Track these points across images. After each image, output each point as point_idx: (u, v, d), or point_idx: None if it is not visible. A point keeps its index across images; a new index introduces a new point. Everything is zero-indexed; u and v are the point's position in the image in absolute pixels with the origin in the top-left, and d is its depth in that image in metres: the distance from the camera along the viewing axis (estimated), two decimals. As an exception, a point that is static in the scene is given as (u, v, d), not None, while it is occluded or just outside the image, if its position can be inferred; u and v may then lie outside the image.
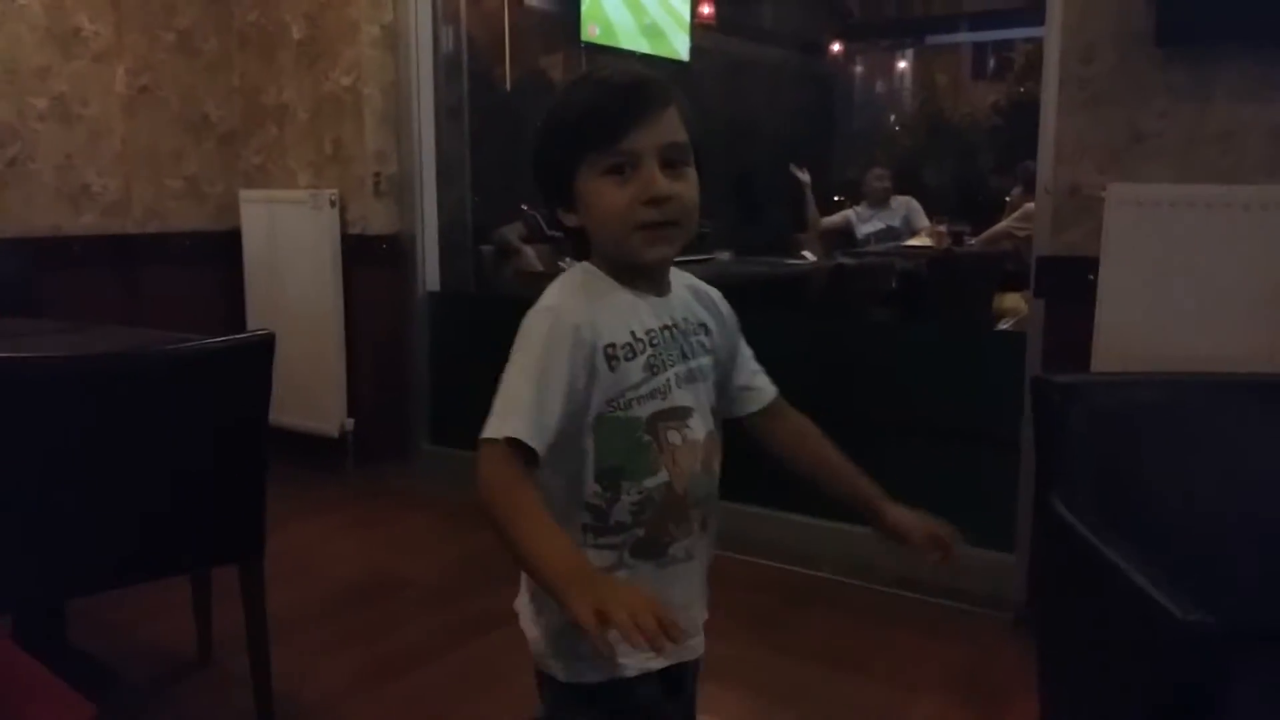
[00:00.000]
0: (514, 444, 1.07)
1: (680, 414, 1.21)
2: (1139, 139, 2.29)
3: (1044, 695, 1.55)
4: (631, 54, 5.68)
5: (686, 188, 1.16)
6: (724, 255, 4.96)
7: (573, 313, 1.15)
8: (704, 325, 1.28)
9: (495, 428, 1.09)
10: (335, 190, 3.67)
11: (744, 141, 6.90)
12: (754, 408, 1.37)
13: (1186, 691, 1.07)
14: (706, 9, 6.61)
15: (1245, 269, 2.12)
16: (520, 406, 1.10)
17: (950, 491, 2.49)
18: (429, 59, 3.73)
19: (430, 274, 3.78)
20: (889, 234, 5.58)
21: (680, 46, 6.01)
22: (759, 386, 1.36)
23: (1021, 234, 4.61)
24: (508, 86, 5.54)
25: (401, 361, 3.79)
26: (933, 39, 9.28)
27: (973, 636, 2.52)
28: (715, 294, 1.36)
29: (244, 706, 2.08)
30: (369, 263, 3.70)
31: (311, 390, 3.69)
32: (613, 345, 1.16)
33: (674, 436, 1.20)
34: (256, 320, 3.85)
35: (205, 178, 3.94)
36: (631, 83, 1.17)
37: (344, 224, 3.69)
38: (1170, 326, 2.15)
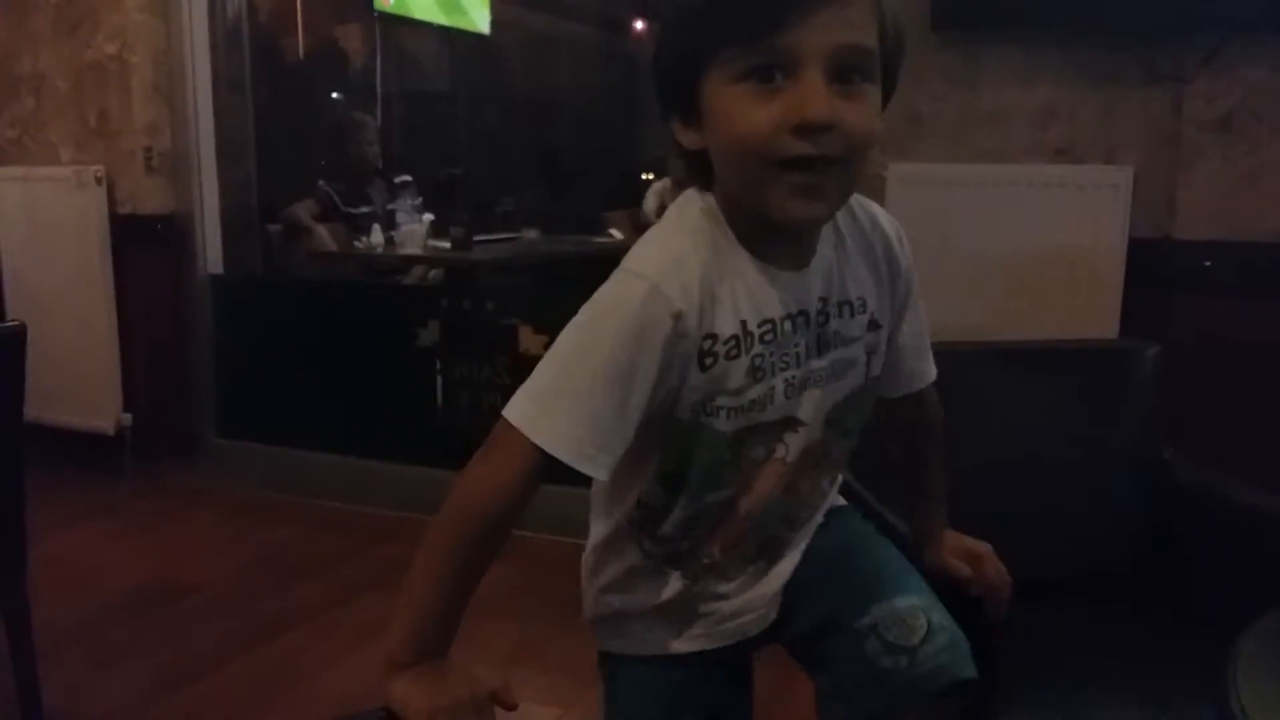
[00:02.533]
0: (544, 454, 0.83)
1: (778, 428, 0.94)
2: (917, 120, 2.39)
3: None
4: (428, 25, 5.51)
5: (861, 114, 0.82)
6: (531, 233, 4.91)
7: (675, 290, 0.85)
8: (857, 302, 0.96)
9: (533, 419, 0.83)
10: (101, 167, 3.38)
11: (549, 117, 6.85)
12: (900, 392, 1.08)
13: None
14: (507, -18, 6.49)
15: (1011, 242, 2.25)
16: (578, 406, 0.83)
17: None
18: (204, 26, 3.47)
19: (212, 256, 3.54)
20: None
21: (480, 20, 5.88)
22: (919, 371, 1.08)
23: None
24: (300, 56, 5.27)
25: (183, 351, 3.54)
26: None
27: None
28: (896, 240, 1.01)
29: (12, 726, 1.91)
30: (143, 245, 3.43)
31: (81, 385, 3.40)
32: (713, 338, 0.87)
33: (758, 452, 0.95)
34: (15, 310, 3.51)
35: (-51, 153, 3.56)
36: None
37: (113, 203, 3.40)
38: (947, 298, 2.25)
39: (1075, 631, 1.40)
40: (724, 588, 1.02)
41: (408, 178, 4.50)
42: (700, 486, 0.94)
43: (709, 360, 0.88)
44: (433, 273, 4.17)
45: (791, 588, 1.05)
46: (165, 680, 2.20)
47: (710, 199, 0.91)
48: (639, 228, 5.66)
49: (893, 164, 2.35)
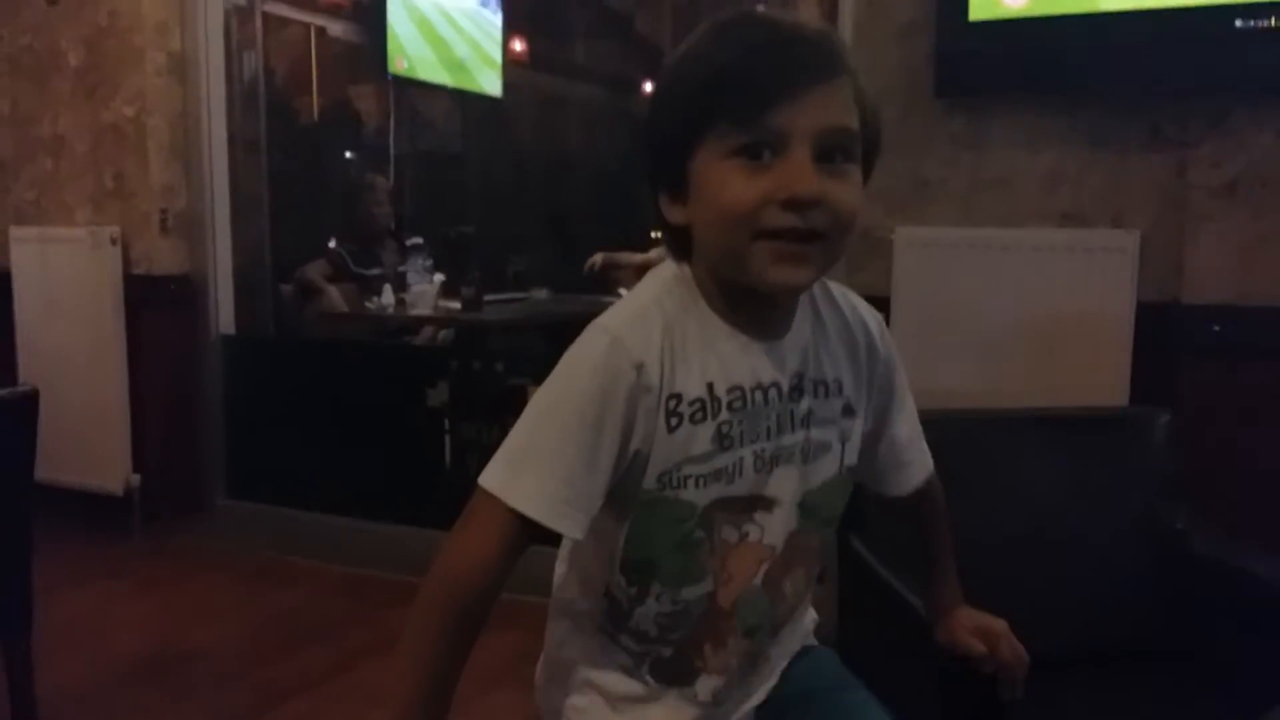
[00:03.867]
0: (523, 517, 0.84)
1: (752, 505, 0.92)
2: (924, 185, 2.41)
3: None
4: (440, 88, 5.59)
5: (845, 192, 0.84)
6: (540, 293, 4.93)
7: (637, 342, 0.86)
8: (833, 384, 0.96)
9: (505, 482, 0.84)
10: (117, 227, 3.42)
11: (559, 177, 6.91)
12: (897, 492, 1.07)
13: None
14: (519, 46, 6.59)
15: (1019, 306, 2.25)
16: (549, 465, 0.84)
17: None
18: (221, 89, 3.54)
19: (224, 316, 3.57)
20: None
21: (491, 84, 5.97)
22: (911, 463, 1.06)
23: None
24: (314, 118, 5.35)
25: (192, 411, 3.55)
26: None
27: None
28: (875, 328, 1.00)
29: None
30: (155, 305, 3.45)
31: (91, 445, 3.41)
32: (678, 398, 0.87)
33: (730, 533, 0.91)
34: (28, 369, 3.53)
35: (-31, 215, 3.61)
36: (794, 34, 0.85)
37: (127, 263, 3.43)
38: (954, 361, 2.26)
39: (1087, 706, 1.37)
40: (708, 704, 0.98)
41: (419, 239, 4.53)
42: (673, 577, 0.92)
43: (674, 420, 0.87)
44: (443, 333, 4.18)
45: None
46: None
47: (686, 269, 0.93)
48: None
49: (900, 227, 2.37)
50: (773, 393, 0.91)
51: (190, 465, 3.55)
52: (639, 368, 0.86)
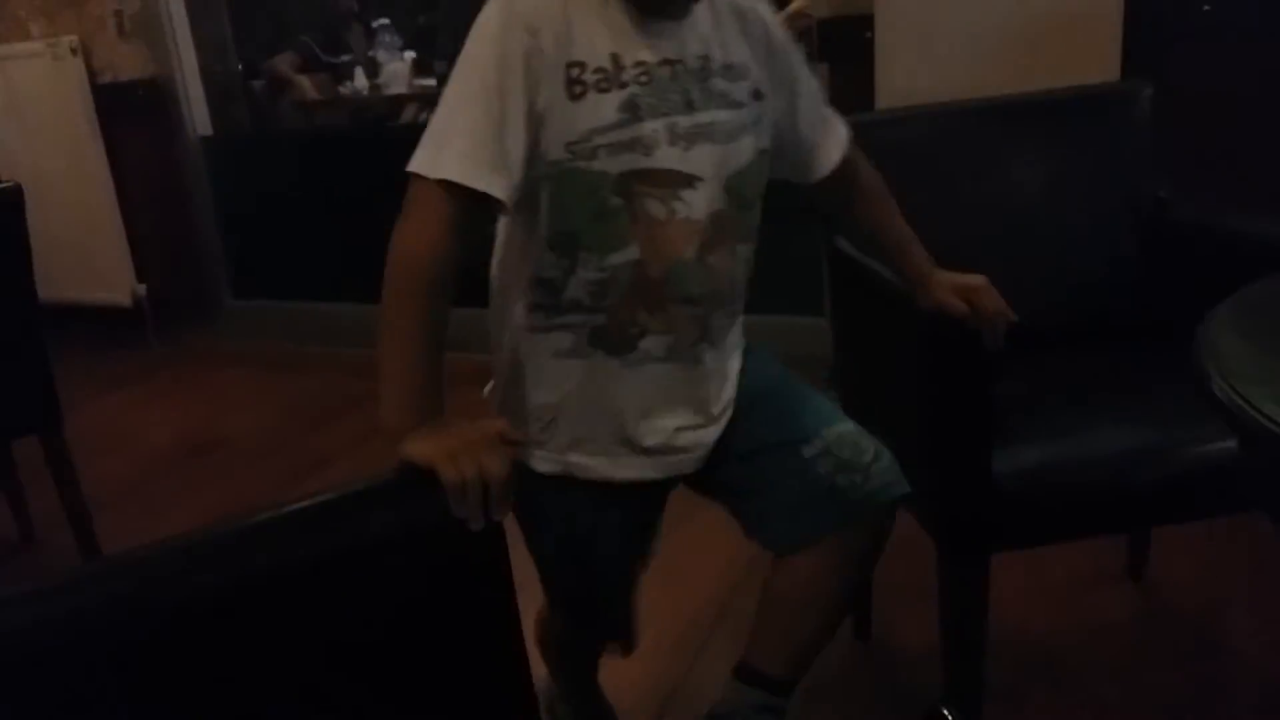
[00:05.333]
0: (452, 189, 0.86)
1: (671, 180, 0.93)
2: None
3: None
4: None
5: None
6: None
7: (530, 8, 0.88)
8: (739, 66, 0.97)
9: (427, 160, 0.87)
10: (74, 36, 3.30)
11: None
12: (820, 173, 1.09)
13: (951, 379, 1.15)
14: None
15: (1005, 3, 2.17)
16: (464, 134, 0.86)
17: (761, 261, 2.56)
18: (156, -124, 3.32)
19: (199, 118, 3.49)
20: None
21: None
22: (822, 143, 1.08)
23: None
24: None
25: (186, 216, 3.54)
26: None
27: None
28: (769, 19, 1.02)
29: (78, 576, 2.01)
30: (128, 113, 3.38)
31: (92, 260, 3.43)
32: (580, 65, 0.89)
33: (656, 208, 0.93)
34: (13, 192, 3.50)
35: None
36: None
37: (92, 73, 3.34)
38: (946, 67, 2.20)
39: (1070, 371, 1.40)
40: (667, 369, 1.00)
41: (385, 20, 4.36)
42: (596, 244, 0.93)
43: (578, 89, 0.89)
44: (424, 114, 4.09)
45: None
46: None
47: None
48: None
49: (879, -66, 2.26)
50: (679, 68, 0.93)
51: (193, 269, 3.58)
52: (534, 31, 0.88)
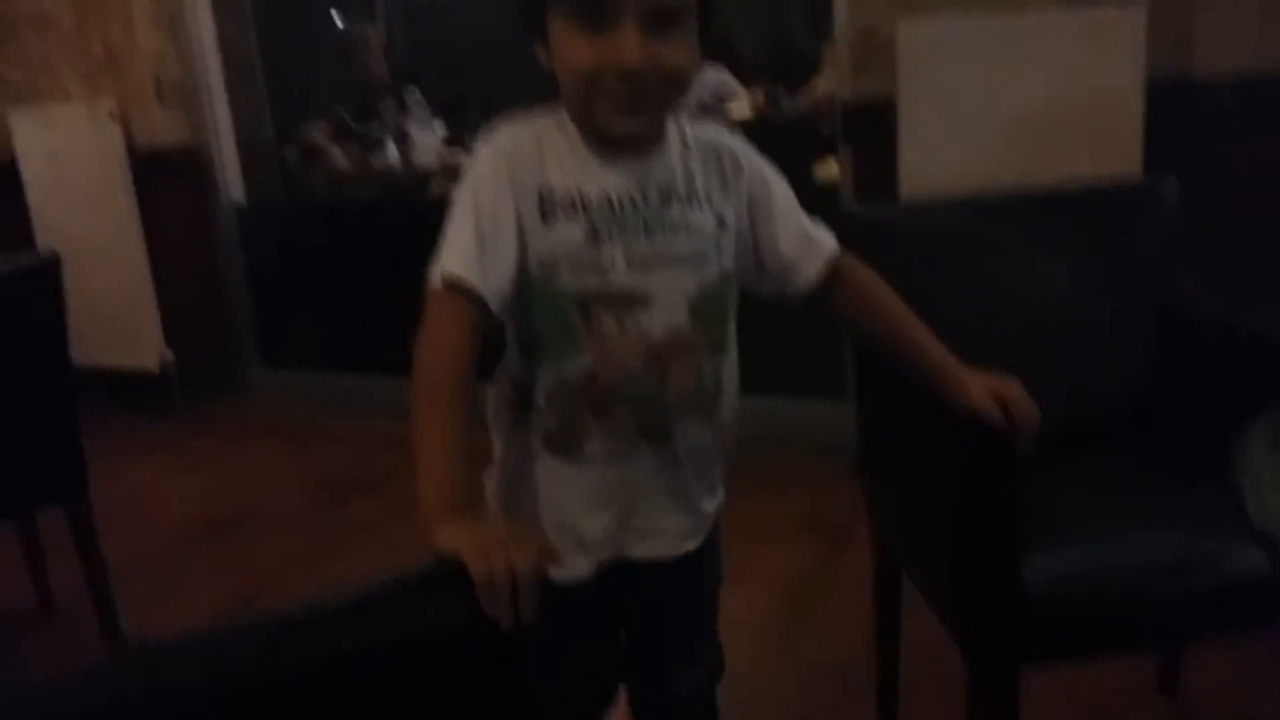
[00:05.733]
0: (458, 289, 0.94)
1: (627, 301, 1.01)
2: (925, -24, 2.33)
3: (874, 525, 1.62)
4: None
5: (675, 53, 0.95)
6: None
7: (511, 143, 1.00)
8: (701, 196, 1.05)
9: (435, 271, 0.96)
10: (113, 100, 3.39)
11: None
12: (805, 287, 1.12)
13: (982, 485, 1.15)
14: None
15: (1028, 93, 2.21)
16: (461, 244, 0.96)
17: (786, 346, 2.57)
18: (200, -49, 3.44)
19: (233, 185, 3.57)
20: (698, 110, 5.51)
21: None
22: (801, 261, 1.11)
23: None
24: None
25: (217, 282, 3.59)
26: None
27: (813, 483, 2.55)
28: (740, 150, 1.09)
29: (97, 649, 2.02)
30: (163, 178, 3.46)
31: (122, 325, 3.48)
32: (550, 189, 0.99)
33: (610, 326, 1.01)
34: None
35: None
36: None
37: (130, 138, 3.42)
38: (968, 155, 2.23)
39: (1094, 472, 1.39)
40: (614, 471, 1.06)
41: (416, 92, 4.45)
42: (554, 351, 1.01)
43: (547, 210, 0.99)
44: (452, 186, 4.15)
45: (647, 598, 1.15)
46: (236, 598, 2.30)
47: (558, 111, 1.03)
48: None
49: (903, 23, 2.30)
50: (639, 199, 1.01)
51: (222, 337, 3.62)
52: (512, 160, 0.99)
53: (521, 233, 0.98)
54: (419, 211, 3.70)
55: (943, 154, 2.23)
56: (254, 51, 3.71)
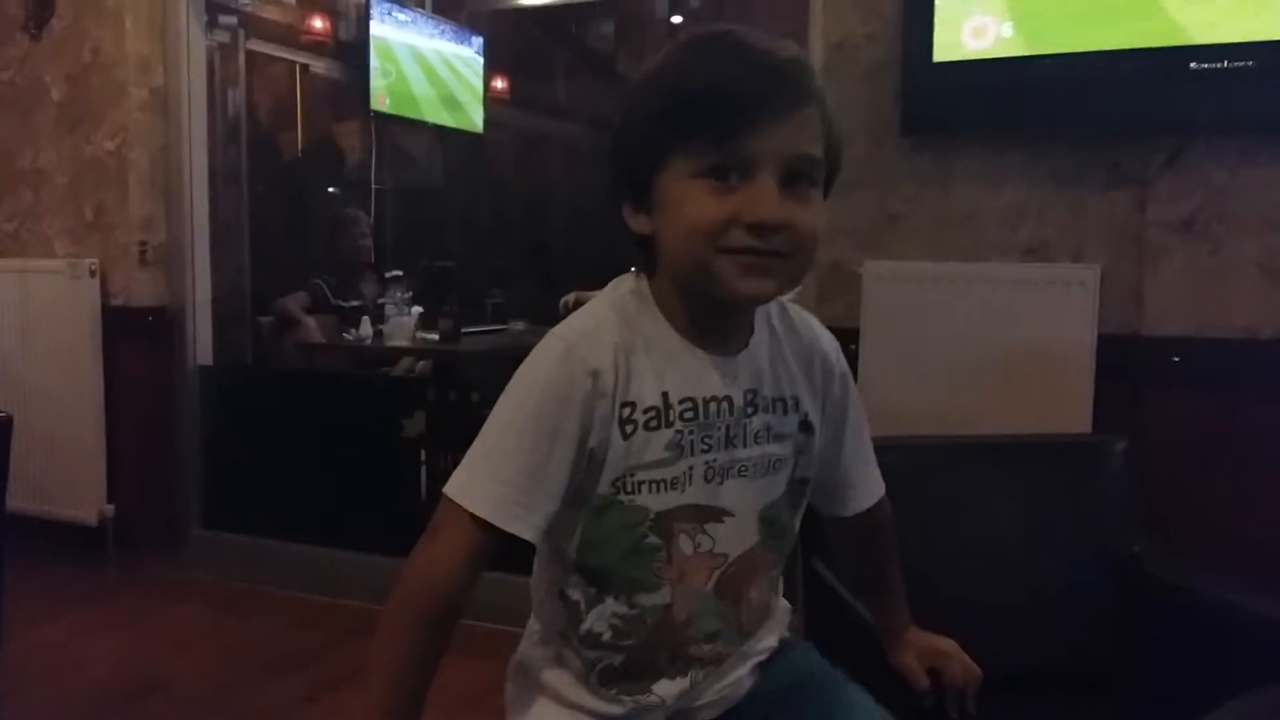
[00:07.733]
0: (480, 521, 0.86)
1: (703, 515, 0.93)
2: (891, 220, 2.46)
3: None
4: (423, 123, 5.64)
5: (807, 216, 0.87)
6: (519, 325, 4.95)
7: (591, 350, 0.89)
8: (789, 400, 0.98)
9: (464, 488, 0.87)
10: (95, 260, 3.44)
11: (539, 212, 6.98)
12: (847, 511, 1.09)
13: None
14: (501, 84, 6.66)
15: (983, 338, 2.30)
16: (502, 469, 0.86)
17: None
18: (203, 124, 3.57)
19: (202, 347, 3.57)
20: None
21: (474, 118, 6.02)
22: (860, 485, 1.08)
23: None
24: (298, 153, 5.38)
25: (169, 441, 3.54)
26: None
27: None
28: (833, 352, 1.03)
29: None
30: (133, 336, 3.46)
31: (66, 475, 3.40)
32: (632, 405, 0.89)
33: (686, 544, 0.93)
34: (3, 398, 3.52)
35: (-52, 246, 3.61)
36: (769, 60, 0.86)
37: (106, 295, 3.44)
38: (921, 390, 2.29)
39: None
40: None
41: (398, 272, 4.56)
42: (627, 584, 0.93)
43: (629, 428, 0.89)
44: (420, 364, 4.20)
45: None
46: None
47: (643, 281, 0.95)
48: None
49: (868, 261, 2.41)
50: (724, 405, 0.93)
51: (165, 495, 3.53)
52: (594, 374, 0.88)
53: (590, 453, 0.89)
54: (380, 387, 3.73)
55: (901, 388, 2.29)
56: (243, 221, 3.80)
